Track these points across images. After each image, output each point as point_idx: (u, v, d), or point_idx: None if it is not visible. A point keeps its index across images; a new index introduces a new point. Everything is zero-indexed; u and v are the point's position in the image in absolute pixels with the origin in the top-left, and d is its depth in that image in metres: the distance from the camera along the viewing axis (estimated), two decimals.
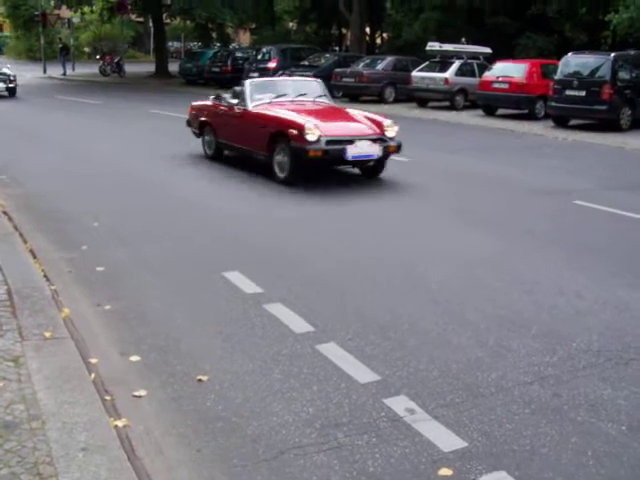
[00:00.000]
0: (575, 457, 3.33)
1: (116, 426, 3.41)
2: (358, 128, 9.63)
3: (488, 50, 22.47)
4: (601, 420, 3.65)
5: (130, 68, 38.34)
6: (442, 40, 23.07)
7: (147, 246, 6.70)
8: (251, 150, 10.19)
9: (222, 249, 6.61)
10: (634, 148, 14.07)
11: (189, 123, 12.29)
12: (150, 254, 6.45)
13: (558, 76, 16.93)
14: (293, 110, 9.95)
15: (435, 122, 18.48)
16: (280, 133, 9.37)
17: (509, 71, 19.19)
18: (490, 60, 21.52)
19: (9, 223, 7.09)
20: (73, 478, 2.91)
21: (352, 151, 9.13)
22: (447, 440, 3.44)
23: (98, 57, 42.59)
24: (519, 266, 6.20)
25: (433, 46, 21.93)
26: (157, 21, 37.01)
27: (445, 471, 3.20)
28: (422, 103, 21.98)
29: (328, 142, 9.06)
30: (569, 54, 17.36)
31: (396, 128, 9.72)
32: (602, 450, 3.39)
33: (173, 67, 36.32)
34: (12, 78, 23.24)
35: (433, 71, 21.63)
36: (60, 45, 42.95)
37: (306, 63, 25.60)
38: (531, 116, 18.69)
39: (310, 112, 10.02)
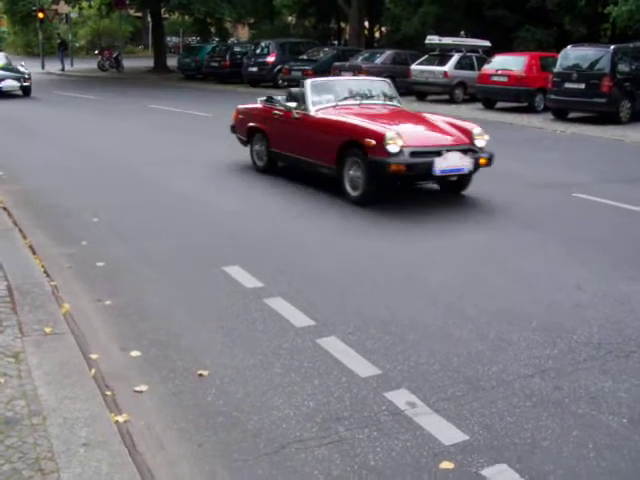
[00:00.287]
0: (576, 450, 3.34)
1: (117, 421, 3.41)
2: (445, 137, 8.18)
3: (487, 43, 22.43)
4: (602, 413, 3.65)
5: (128, 63, 38.30)
6: (441, 33, 23.01)
7: (147, 241, 6.69)
8: (314, 162, 8.72)
9: (222, 243, 6.60)
10: (633, 141, 14.06)
11: (234, 129, 10.85)
12: (150, 249, 6.44)
13: (557, 69, 16.90)
14: (365, 115, 8.58)
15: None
16: (353, 143, 7.96)
17: (508, 64, 19.17)
18: (489, 53, 21.50)
19: (8, 219, 7.08)
20: (74, 473, 2.91)
21: (440, 165, 7.68)
22: (448, 433, 3.44)
23: (96, 52, 42.53)
24: (518, 259, 6.20)
25: (432, 39, 21.89)
26: (155, 16, 36.92)
27: (446, 464, 3.20)
28: (421, 96, 21.95)
29: (413, 154, 7.66)
30: (568, 47, 17.33)
31: (486, 137, 8.27)
32: (603, 443, 3.39)
33: (172, 62, 36.27)
34: (27, 76, 22.09)
35: (432, 64, 21.61)
36: (58, 40, 42.87)
37: (305, 57, 25.56)
38: (530, 109, 18.67)
39: (385, 118, 8.63)
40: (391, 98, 9.65)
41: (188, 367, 4.12)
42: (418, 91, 21.94)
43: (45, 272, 5.48)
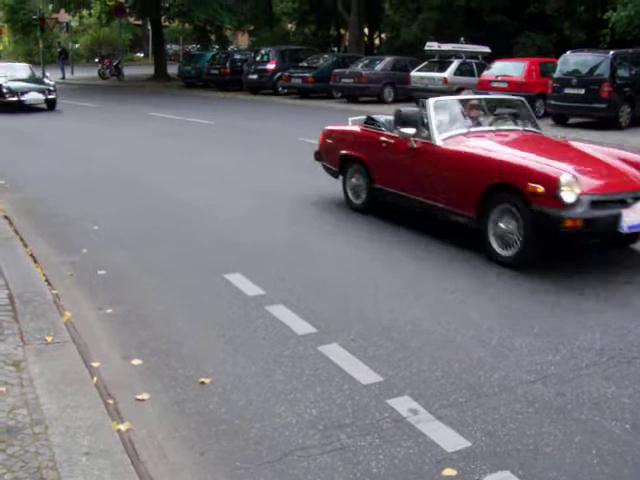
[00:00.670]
0: (579, 456, 3.33)
1: (119, 430, 3.40)
2: (628, 179, 6.17)
3: (487, 49, 22.46)
4: (605, 419, 3.65)
5: (129, 71, 38.39)
6: (441, 40, 23.05)
7: (148, 249, 6.69)
8: (441, 207, 6.78)
9: (222, 251, 6.60)
10: (633, 146, 14.04)
11: (319, 156, 8.88)
12: (151, 257, 6.45)
13: (557, 74, 16.91)
14: (516, 147, 6.73)
15: None
16: (505, 187, 6.07)
17: (508, 70, 19.19)
18: (489, 59, 21.50)
19: (9, 227, 7.08)
20: None
21: (629, 218, 5.77)
22: (451, 440, 3.43)
23: (97, 60, 42.62)
24: (521, 267, 6.19)
25: (432, 46, 21.92)
26: (155, 24, 37.01)
27: (449, 471, 3.19)
28: None
29: (593, 204, 5.78)
30: (568, 52, 17.35)
31: None
32: (606, 449, 3.38)
33: (172, 70, 36.34)
34: (52, 88, 20.47)
35: (432, 71, 21.63)
36: (59, 49, 42.97)
37: (305, 64, 25.62)
38: None
39: (542, 151, 6.62)
40: (529, 122, 7.65)
41: (190, 375, 4.11)
42: (418, 97, 21.91)
43: (46, 280, 5.48)
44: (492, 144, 6.76)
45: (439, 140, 6.87)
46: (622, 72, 16.38)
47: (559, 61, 17.25)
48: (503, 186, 6.09)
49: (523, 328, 4.79)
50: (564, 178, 5.65)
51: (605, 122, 16.35)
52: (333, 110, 21.54)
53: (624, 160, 6.52)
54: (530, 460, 3.30)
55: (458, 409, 3.73)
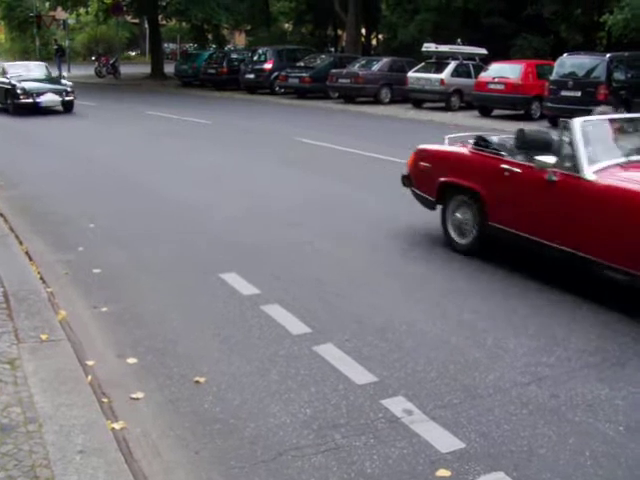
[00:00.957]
0: (573, 458, 3.33)
1: (113, 428, 3.40)
2: None
3: (484, 51, 22.51)
4: (599, 420, 3.66)
5: (126, 69, 38.30)
6: (438, 41, 23.08)
7: (144, 248, 6.69)
8: (594, 260, 5.32)
9: (218, 251, 6.60)
10: None
11: (408, 181, 7.28)
12: (147, 256, 6.44)
13: (553, 77, 16.95)
14: None
15: (431, 123, 18.47)
16: None
17: (505, 72, 19.22)
18: (486, 61, 21.55)
19: (5, 225, 7.07)
20: None
21: None
22: (445, 441, 3.44)
23: (94, 58, 42.55)
24: (517, 269, 6.20)
25: (429, 47, 21.95)
26: (152, 22, 36.97)
27: (443, 472, 3.20)
28: (418, 104, 21.98)
29: None
30: (564, 55, 17.39)
31: None
32: (600, 450, 3.39)
33: (169, 68, 36.30)
34: (69, 89, 18.90)
35: (429, 72, 21.65)
36: (55, 47, 42.88)
37: (302, 64, 25.63)
38: (527, 117, 18.70)
39: None
40: None
41: (185, 374, 4.11)
42: (415, 99, 21.98)
43: (41, 279, 5.47)
44: None
45: (590, 173, 5.36)
46: (618, 75, 16.43)
47: (556, 63, 17.31)
48: None
49: (518, 329, 4.80)
50: None
51: None
52: (330, 110, 21.57)
53: None
54: (524, 461, 3.30)
55: (452, 410, 3.73)
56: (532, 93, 18.54)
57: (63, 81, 19.72)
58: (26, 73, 19.61)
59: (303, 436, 3.48)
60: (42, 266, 5.87)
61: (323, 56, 27.62)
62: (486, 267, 6.14)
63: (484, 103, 19.70)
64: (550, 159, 5.61)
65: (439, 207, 6.89)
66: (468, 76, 21.20)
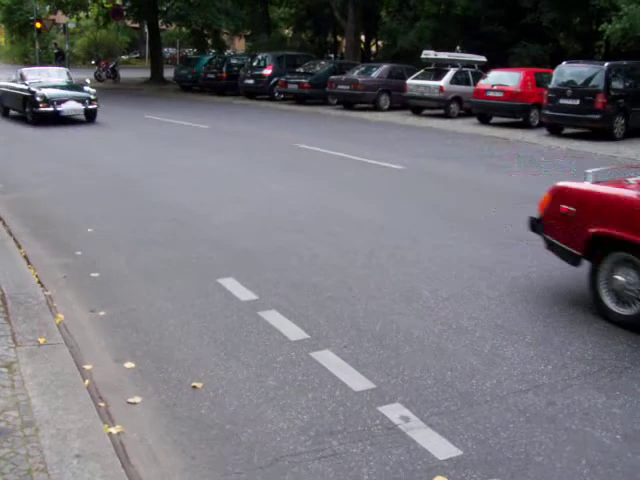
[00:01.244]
0: (569, 466, 3.34)
1: (110, 433, 3.40)
2: None
3: (483, 58, 22.58)
4: (595, 429, 3.66)
5: (125, 74, 38.34)
6: (437, 48, 23.16)
7: (142, 252, 6.69)
8: None
9: (217, 256, 6.60)
10: (626, 157, 14.11)
11: (539, 225, 5.82)
12: (145, 260, 6.44)
13: (552, 85, 17.00)
14: None
15: (430, 130, 18.52)
16: None
17: (504, 79, 19.28)
18: (485, 68, 21.61)
19: (3, 228, 7.07)
20: None
21: None
22: (442, 448, 3.44)
23: (93, 62, 42.59)
24: (513, 274, 6.21)
25: (428, 54, 22.00)
26: (152, 27, 37.03)
27: (440, 479, 3.20)
28: (417, 111, 22.03)
29: None
30: (563, 63, 17.44)
31: None
32: (596, 459, 3.39)
33: (168, 73, 36.35)
34: (92, 97, 17.54)
35: (428, 79, 21.69)
36: (55, 50, 42.93)
37: (301, 70, 25.68)
38: (525, 124, 18.75)
39: None
40: None
41: (182, 379, 4.11)
42: (414, 105, 22.01)
43: (39, 282, 5.47)
44: None
45: None
46: (616, 84, 16.48)
47: (554, 72, 17.35)
48: None
49: (515, 337, 4.80)
50: None
51: (599, 133, 16.44)
52: (329, 117, 21.61)
53: None
54: (521, 469, 3.31)
55: (449, 417, 3.74)
56: (531, 101, 18.60)
57: (86, 88, 18.01)
58: (46, 79, 18.34)
59: (300, 442, 3.48)
60: (40, 270, 5.87)
61: (322, 62, 27.66)
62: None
63: (483, 110, 19.75)
64: None
65: (585, 262, 5.47)
66: (467, 83, 21.26)
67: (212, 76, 29.45)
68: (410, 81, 22.01)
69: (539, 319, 5.16)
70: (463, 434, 3.57)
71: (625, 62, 17.49)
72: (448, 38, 27.04)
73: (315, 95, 24.36)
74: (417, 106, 21.99)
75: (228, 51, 46.33)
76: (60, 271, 6.02)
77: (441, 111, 21.34)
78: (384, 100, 23.15)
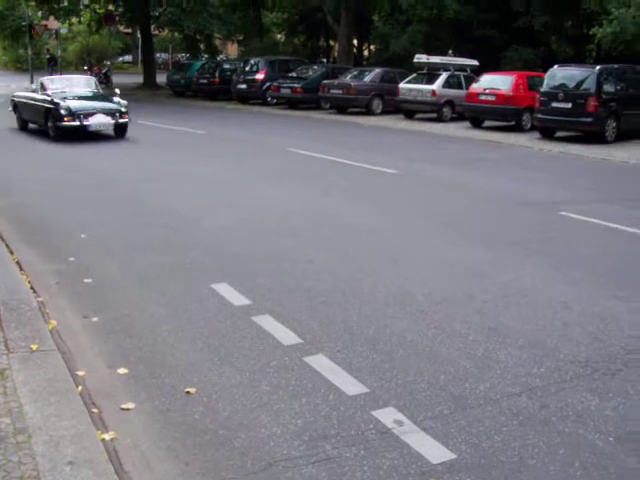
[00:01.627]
0: (563, 468, 3.34)
1: (103, 439, 3.39)
2: None
3: (475, 62, 22.65)
4: (588, 431, 3.67)
5: (118, 79, 38.29)
6: (429, 52, 23.22)
7: (135, 258, 6.67)
8: None
9: (210, 261, 6.60)
10: (619, 160, 14.19)
11: None
12: (138, 266, 6.43)
13: (544, 88, 17.07)
14: None
15: (422, 134, 18.56)
16: None
17: (496, 83, 19.34)
18: (477, 72, 21.68)
19: None
20: None
21: None
22: (435, 452, 3.44)
23: (85, 68, 42.57)
24: (506, 277, 6.23)
25: (420, 58, 22.07)
26: (145, 32, 37.05)
27: None
28: (409, 115, 22.08)
29: None
30: (555, 67, 17.52)
31: None
32: (590, 461, 3.40)
33: (161, 78, 36.35)
34: (123, 110, 15.53)
35: (420, 83, 21.75)
36: (48, 56, 42.89)
37: (294, 75, 25.71)
38: (518, 128, 18.81)
39: None
40: None
41: (175, 385, 4.11)
42: (406, 109, 22.07)
43: (32, 288, 5.46)
44: None
45: None
46: (608, 87, 16.57)
47: (546, 75, 17.43)
48: None
49: (508, 340, 4.81)
50: None
51: (591, 136, 16.50)
52: (322, 121, 21.63)
53: None
54: (514, 472, 3.31)
55: (443, 421, 3.74)
56: (523, 104, 18.67)
57: (115, 99, 15.99)
58: (70, 89, 16.35)
59: (294, 447, 3.48)
60: (33, 276, 5.85)
61: (315, 67, 27.71)
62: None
63: (475, 114, 19.81)
64: None
65: None
66: (459, 87, 21.32)
67: (205, 81, 29.47)
68: (403, 85, 22.06)
69: (532, 322, 5.17)
70: (457, 438, 3.58)
71: (616, 65, 17.59)
72: (440, 42, 27.12)
73: (308, 100, 24.38)
74: (410, 110, 22.04)
75: (221, 56, 46.35)
76: (53, 277, 6.00)
77: (434, 115, 21.39)
78: (377, 104, 23.19)
